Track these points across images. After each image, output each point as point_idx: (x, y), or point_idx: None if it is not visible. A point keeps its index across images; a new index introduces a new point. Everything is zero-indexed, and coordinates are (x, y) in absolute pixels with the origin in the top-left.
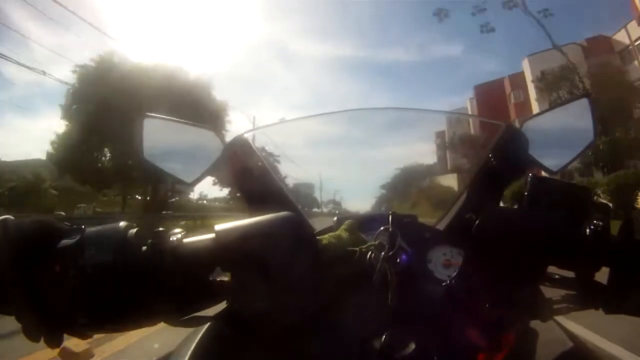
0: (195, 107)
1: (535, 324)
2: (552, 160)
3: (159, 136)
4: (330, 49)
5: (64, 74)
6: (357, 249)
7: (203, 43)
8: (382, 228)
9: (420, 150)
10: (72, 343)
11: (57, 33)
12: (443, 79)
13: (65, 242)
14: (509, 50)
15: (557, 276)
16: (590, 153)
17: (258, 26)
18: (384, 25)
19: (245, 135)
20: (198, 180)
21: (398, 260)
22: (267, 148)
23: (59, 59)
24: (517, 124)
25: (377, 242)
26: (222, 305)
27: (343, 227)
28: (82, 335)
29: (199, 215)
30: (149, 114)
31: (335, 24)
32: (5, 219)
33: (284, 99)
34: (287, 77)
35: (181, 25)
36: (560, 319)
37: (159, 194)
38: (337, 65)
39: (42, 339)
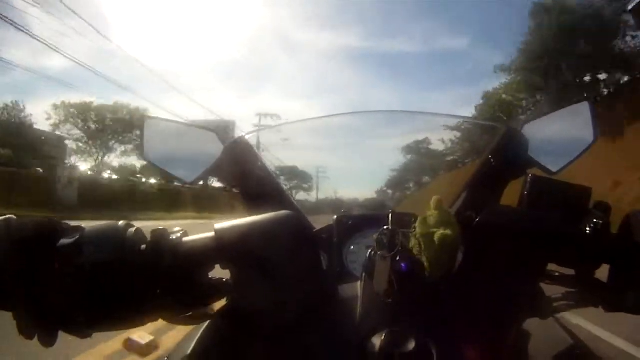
0: None
1: (534, 321)
2: (552, 161)
3: (160, 137)
4: (333, 38)
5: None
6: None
7: (205, 31)
8: (384, 227)
9: (419, 150)
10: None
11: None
12: (448, 71)
13: (64, 241)
14: (514, 43)
15: (557, 274)
16: None
17: (260, 14)
18: (388, 15)
19: (246, 137)
20: (199, 180)
21: (398, 259)
22: (268, 148)
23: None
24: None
25: (377, 241)
26: (222, 304)
27: (433, 202)
28: (81, 334)
29: None
30: (150, 115)
31: (338, 12)
32: (9, 218)
33: (286, 88)
34: (289, 65)
35: (183, 15)
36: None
37: None
38: (341, 54)
39: (37, 337)
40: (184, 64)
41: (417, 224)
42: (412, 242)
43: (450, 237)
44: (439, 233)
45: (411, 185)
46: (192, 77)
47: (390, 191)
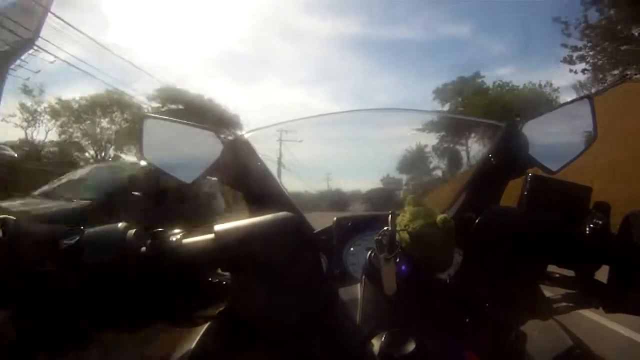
0: None
1: (535, 322)
2: (552, 160)
3: (159, 136)
4: (334, 25)
5: None
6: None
7: (203, 18)
8: (385, 228)
9: (419, 149)
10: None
11: None
12: (450, 59)
13: (64, 243)
14: (517, 32)
15: (557, 275)
16: None
17: (260, 0)
18: (390, 3)
19: (246, 136)
20: (198, 180)
21: (398, 260)
22: (268, 147)
23: None
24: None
25: (377, 242)
26: (223, 305)
27: (409, 202)
28: (82, 336)
29: None
30: (149, 114)
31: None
32: (5, 218)
33: (287, 76)
34: (290, 53)
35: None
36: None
37: None
38: (342, 42)
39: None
40: (181, 52)
41: (407, 222)
42: (406, 241)
43: (451, 221)
44: (441, 217)
45: (413, 183)
46: (190, 66)
47: (395, 178)
